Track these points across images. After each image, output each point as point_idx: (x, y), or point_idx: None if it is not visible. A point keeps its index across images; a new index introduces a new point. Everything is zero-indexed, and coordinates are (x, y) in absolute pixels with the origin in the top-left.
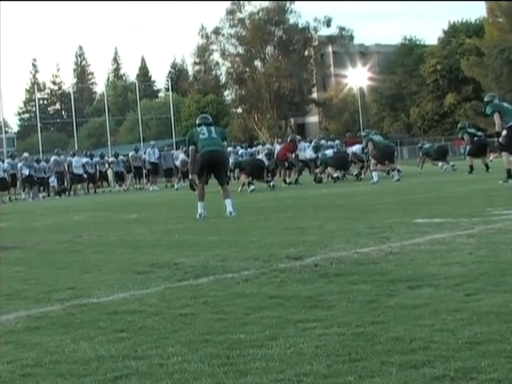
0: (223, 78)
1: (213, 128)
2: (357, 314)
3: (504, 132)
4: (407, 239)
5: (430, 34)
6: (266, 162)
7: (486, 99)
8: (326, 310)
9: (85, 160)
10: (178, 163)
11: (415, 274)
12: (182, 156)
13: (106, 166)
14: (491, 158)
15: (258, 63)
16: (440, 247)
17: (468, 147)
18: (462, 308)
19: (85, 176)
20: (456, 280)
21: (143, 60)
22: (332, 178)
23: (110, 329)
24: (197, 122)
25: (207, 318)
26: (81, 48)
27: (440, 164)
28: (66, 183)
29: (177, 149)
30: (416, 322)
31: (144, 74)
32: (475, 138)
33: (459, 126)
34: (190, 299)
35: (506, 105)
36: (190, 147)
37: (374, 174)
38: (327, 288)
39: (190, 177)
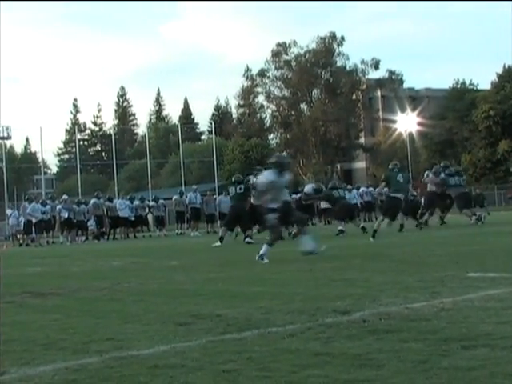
0: (268, 122)
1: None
2: (408, 375)
3: None
4: (460, 294)
5: (483, 79)
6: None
7: None
8: (375, 370)
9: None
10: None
11: (469, 333)
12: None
13: (147, 210)
14: None
15: (303, 106)
16: (495, 304)
17: None
18: None
19: (131, 219)
20: None
21: (186, 102)
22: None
23: None
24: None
25: (251, 375)
26: (123, 88)
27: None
28: (104, 227)
29: (219, 194)
30: None
31: (187, 116)
32: None
33: None
34: (234, 354)
35: None
36: None
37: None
38: (376, 345)
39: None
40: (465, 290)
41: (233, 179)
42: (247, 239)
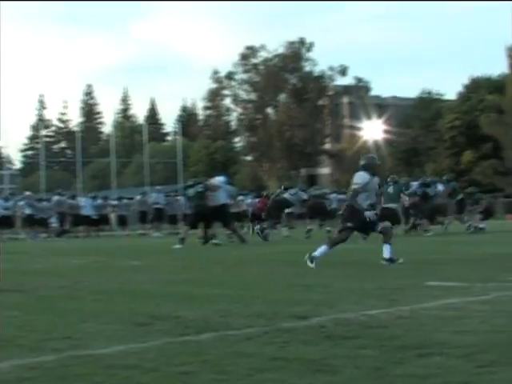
0: (234, 125)
1: None
2: (362, 382)
3: None
4: (418, 303)
5: (450, 89)
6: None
7: None
8: (330, 375)
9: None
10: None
11: (425, 341)
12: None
13: (109, 209)
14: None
15: (270, 110)
16: (452, 313)
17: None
18: (473, 381)
19: (93, 218)
20: (468, 350)
21: (153, 102)
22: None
23: None
24: None
25: (207, 378)
26: (90, 86)
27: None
28: (66, 225)
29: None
30: None
31: (153, 116)
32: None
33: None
34: (190, 356)
35: None
36: None
37: None
38: (332, 351)
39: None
40: (422, 299)
41: (190, 182)
42: (214, 240)
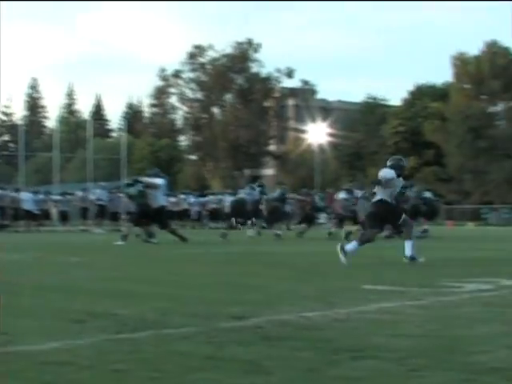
0: (179, 123)
1: None
2: (296, 383)
3: None
4: (354, 306)
5: (395, 95)
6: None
7: None
8: (264, 376)
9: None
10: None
11: (359, 344)
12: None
13: (51, 203)
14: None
15: (216, 110)
16: (387, 317)
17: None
18: None
19: (35, 212)
20: (401, 353)
21: (98, 98)
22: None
23: (38, 381)
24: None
25: (141, 376)
26: (34, 80)
27: None
28: (7, 218)
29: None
30: None
31: (98, 111)
32: None
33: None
34: (126, 354)
35: None
36: None
37: None
38: (268, 352)
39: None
40: (360, 302)
41: (129, 180)
42: (151, 239)
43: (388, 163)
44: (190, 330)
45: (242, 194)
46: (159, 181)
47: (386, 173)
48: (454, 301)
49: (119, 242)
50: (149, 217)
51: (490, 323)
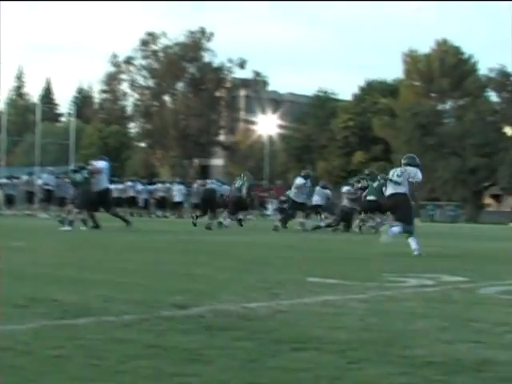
0: (129, 110)
1: None
2: (235, 373)
3: None
4: (298, 298)
5: (346, 90)
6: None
7: None
8: (204, 365)
9: None
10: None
11: (301, 336)
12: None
13: None
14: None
15: (167, 98)
16: (330, 310)
17: None
18: (343, 376)
19: None
20: (341, 346)
21: (48, 81)
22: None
23: None
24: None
25: (80, 363)
26: None
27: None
28: None
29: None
30: None
31: (47, 95)
32: None
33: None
34: (66, 340)
35: None
36: None
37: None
38: (209, 342)
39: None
40: (303, 294)
41: (75, 167)
42: (91, 224)
43: (403, 161)
44: (131, 318)
45: (213, 184)
46: (102, 164)
47: (418, 173)
48: (396, 295)
49: (66, 228)
50: (94, 203)
51: (429, 318)
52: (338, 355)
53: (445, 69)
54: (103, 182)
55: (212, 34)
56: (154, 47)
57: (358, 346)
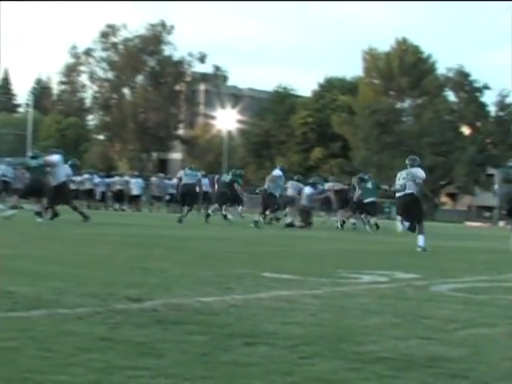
0: (88, 102)
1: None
2: (187, 367)
3: None
4: (252, 293)
5: (305, 86)
6: None
7: None
8: (156, 359)
9: None
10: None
11: (254, 331)
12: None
13: None
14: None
15: (126, 91)
16: (283, 305)
17: None
18: (294, 371)
19: None
20: (294, 341)
21: (6, 71)
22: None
23: None
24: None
25: (31, 355)
26: None
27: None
28: None
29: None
30: (245, 381)
31: (5, 86)
32: None
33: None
34: (17, 332)
35: None
36: None
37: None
38: (162, 335)
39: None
40: (257, 289)
41: (33, 154)
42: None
43: (408, 162)
44: (85, 311)
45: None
46: (56, 157)
47: (418, 172)
48: (350, 291)
49: (38, 220)
50: (38, 193)
51: (381, 314)
52: (290, 350)
53: (404, 67)
54: (60, 176)
55: (172, 27)
56: (114, 39)
57: (310, 341)
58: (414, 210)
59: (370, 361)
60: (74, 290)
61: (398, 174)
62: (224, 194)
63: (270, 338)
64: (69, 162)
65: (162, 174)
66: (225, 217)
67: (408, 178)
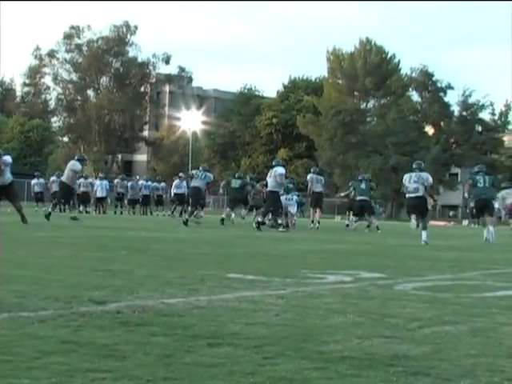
0: (52, 104)
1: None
2: (150, 368)
3: None
4: (216, 294)
5: (270, 87)
6: None
7: None
8: (119, 361)
9: None
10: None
11: (217, 332)
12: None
13: None
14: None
15: (90, 93)
16: (248, 305)
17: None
18: (257, 371)
19: None
20: (257, 341)
21: None
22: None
23: None
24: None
25: None
26: None
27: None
28: None
29: None
30: (208, 382)
31: None
32: None
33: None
34: None
35: None
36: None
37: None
38: (125, 337)
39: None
40: (222, 290)
41: None
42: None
43: (414, 166)
44: (48, 314)
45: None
46: (9, 158)
47: (429, 178)
48: (314, 291)
49: None
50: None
51: (345, 314)
52: (253, 350)
53: (368, 68)
54: (9, 175)
55: (136, 28)
56: (77, 41)
57: (273, 342)
58: (422, 210)
59: (333, 360)
60: (37, 293)
61: (407, 177)
62: (236, 198)
63: (233, 339)
64: (76, 157)
65: (137, 177)
66: (223, 220)
67: (420, 182)
